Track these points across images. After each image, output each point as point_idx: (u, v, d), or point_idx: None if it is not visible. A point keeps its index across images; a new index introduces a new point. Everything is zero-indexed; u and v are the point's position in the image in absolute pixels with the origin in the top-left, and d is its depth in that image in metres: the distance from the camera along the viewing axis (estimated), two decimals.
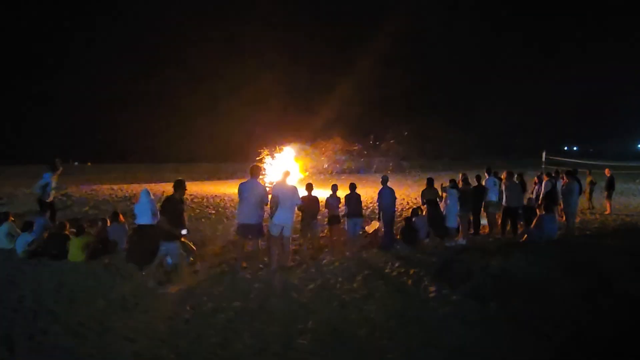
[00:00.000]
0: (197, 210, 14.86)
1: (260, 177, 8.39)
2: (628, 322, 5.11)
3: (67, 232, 8.98)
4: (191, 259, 8.21)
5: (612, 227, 12.09)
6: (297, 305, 6.15)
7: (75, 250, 8.34)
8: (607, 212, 14.76)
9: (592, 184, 15.90)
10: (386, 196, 9.70)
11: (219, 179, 27.87)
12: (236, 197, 8.15)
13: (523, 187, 12.11)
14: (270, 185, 9.07)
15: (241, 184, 7.91)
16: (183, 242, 8.33)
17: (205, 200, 17.57)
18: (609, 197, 15.21)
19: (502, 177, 12.11)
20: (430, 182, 10.64)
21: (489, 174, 11.44)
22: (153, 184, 24.68)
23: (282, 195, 7.99)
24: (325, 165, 26.18)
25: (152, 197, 8.37)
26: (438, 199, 10.41)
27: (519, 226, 10.95)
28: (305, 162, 23.51)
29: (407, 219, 10.29)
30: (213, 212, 14.68)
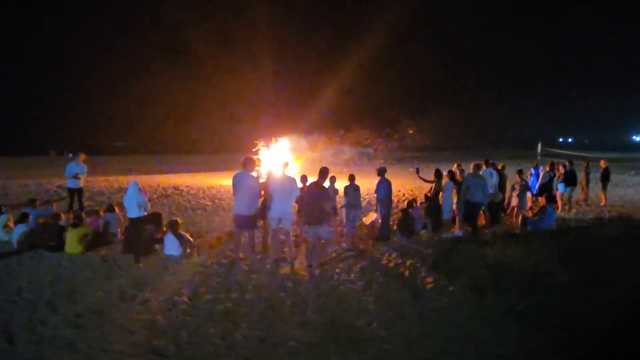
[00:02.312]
0: (194, 202, 14.84)
1: (254, 168, 8.35)
2: (624, 311, 5.15)
3: (61, 224, 8.95)
4: (188, 250, 8.23)
5: (608, 218, 12.16)
6: (296, 296, 6.17)
7: (73, 241, 8.32)
8: (602, 204, 14.84)
9: (587, 174, 15.95)
10: (383, 187, 9.71)
11: (216, 170, 27.81)
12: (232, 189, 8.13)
13: (503, 179, 12.12)
14: (265, 177, 8.91)
15: (235, 175, 7.90)
16: (181, 234, 8.34)
17: (201, 192, 17.55)
18: (604, 188, 15.27)
19: (499, 168, 12.17)
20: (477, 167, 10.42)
21: (487, 165, 11.46)
22: (149, 176, 24.62)
23: (277, 187, 7.96)
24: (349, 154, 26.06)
25: (141, 189, 8.33)
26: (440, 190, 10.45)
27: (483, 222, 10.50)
28: (305, 153, 23.49)
29: (404, 210, 10.32)
30: (209, 203, 14.66)
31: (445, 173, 10.71)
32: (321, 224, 7.46)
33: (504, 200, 11.47)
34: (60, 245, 8.37)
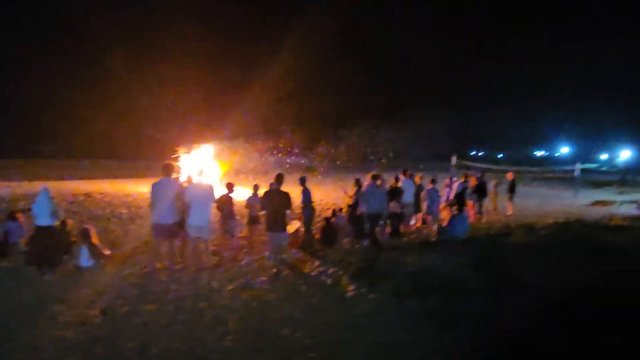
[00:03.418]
0: (108, 210, 14.06)
1: (174, 175, 8.12)
2: (530, 314, 5.53)
3: None
4: (102, 261, 7.78)
5: (514, 227, 13.05)
6: (217, 306, 6.02)
7: None
8: (509, 213, 15.93)
9: (497, 185, 17.08)
10: (305, 196, 9.78)
11: (133, 176, 26.55)
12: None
13: (419, 190, 12.49)
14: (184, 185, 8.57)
15: (154, 183, 7.60)
16: (93, 243, 7.87)
17: (117, 199, 16.69)
18: (511, 199, 16.42)
19: (416, 179, 12.70)
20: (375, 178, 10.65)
21: (405, 176, 11.92)
22: (61, 182, 22.99)
23: (195, 195, 7.75)
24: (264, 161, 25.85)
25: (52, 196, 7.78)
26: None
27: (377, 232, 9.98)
28: (231, 160, 23.08)
29: (327, 219, 10.44)
30: (125, 211, 13.96)
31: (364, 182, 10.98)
32: (282, 230, 7.84)
33: (402, 214, 11.42)
34: None
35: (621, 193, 27.17)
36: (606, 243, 9.61)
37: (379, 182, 9.84)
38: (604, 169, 58.82)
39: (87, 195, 17.29)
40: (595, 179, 38.21)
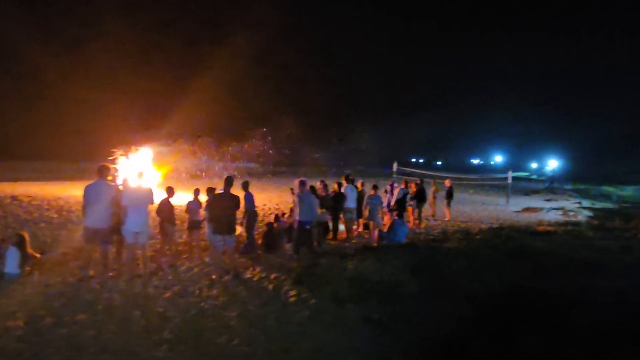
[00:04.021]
0: (36, 214, 13.24)
1: (110, 177, 7.79)
2: (464, 316, 5.72)
3: None
4: (27, 268, 7.30)
5: (451, 232, 13.51)
6: (153, 314, 5.79)
7: None
8: (446, 219, 16.48)
9: (436, 192, 17.64)
10: (248, 201, 9.66)
11: (65, 179, 25.23)
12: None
13: (361, 196, 12.55)
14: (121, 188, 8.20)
15: (87, 185, 7.24)
16: (26, 253, 7.41)
17: (46, 202, 15.75)
18: (449, 205, 17.00)
19: (358, 185, 12.87)
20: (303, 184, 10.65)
21: (347, 182, 12.05)
22: None
23: (133, 199, 7.46)
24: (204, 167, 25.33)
25: None
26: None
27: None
28: (170, 164, 22.43)
29: (269, 225, 10.36)
30: (55, 215, 13.21)
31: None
32: (231, 233, 7.83)
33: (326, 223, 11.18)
34: None
35: (548, 200, 28.85)
36: (534, 247, 10.14)
37: (307, 188, 9.64)
38: (533, 177, 62.35)
39: (14, 198, 16.22)
40: (526, 187, 40.44)
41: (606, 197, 34.89)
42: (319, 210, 9.93)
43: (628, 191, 40.60)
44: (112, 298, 6.37)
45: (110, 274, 7.42)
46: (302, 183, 9.33)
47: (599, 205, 27.56)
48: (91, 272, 7.29)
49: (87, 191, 7.18)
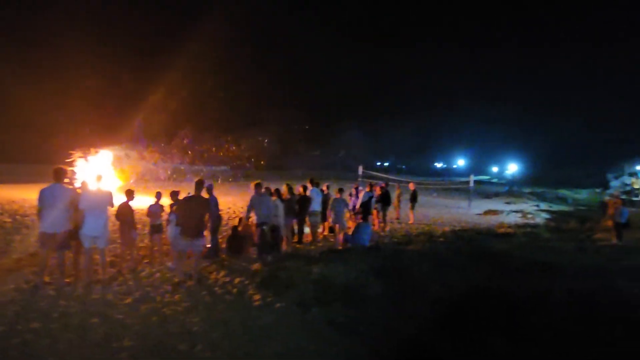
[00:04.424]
0: None
1: (67, 180, 7.53)
2: (426, 316, 5.80)
3: None
4: None
5: (415, 234, 13.70)
6: (112, 322, 5.61)
7: None
8: (410, 222, 16.71)
9: (400, 195, 17.87)
10: (212, 204, 9.50)
11: (20, 182, 24.25)
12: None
13: (326, 199, 12.60)
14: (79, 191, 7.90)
15: (43, 189, 6.96)
16: None
17: None
18: (413, 208, 17.25)
19: (323, 188, 12.89)
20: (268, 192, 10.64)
21: (312, 185, 12.05)
22: None
23: (91, 203, 7.23)
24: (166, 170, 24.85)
25: None
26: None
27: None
28: (131, 167, 21.92)
29: (234, 228, 10.23)
30: (8, 220, 12.66)
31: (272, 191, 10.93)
32: (199, 237, 7.73)
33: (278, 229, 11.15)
34: None
35: (508, 203, 29.68)
36: (495, 249, 10.39)
37: (263, 190, 9.59)
38: (494, 180, 64.08)
39: None
40: (487, 190, 41.48)
41: (562, 200, 36.22)
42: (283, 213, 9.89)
43: (583, 194, 42.28)
44: (69, 305, 6.13)
45: (67, 280, 7.16)
46: (258, 185, 9.30)
47: (555, 208, 28.56)
48: (46, 279, 7.01)
49: (43, 195, 6.90)
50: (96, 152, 19.65)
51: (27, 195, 18.56)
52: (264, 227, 9.13)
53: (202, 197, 7.99)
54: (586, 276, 8.09)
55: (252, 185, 9.43)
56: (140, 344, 5.00)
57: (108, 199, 7.52)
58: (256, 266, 8.35)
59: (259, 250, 9.20)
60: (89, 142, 20.64)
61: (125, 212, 8.46)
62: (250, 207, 9.30)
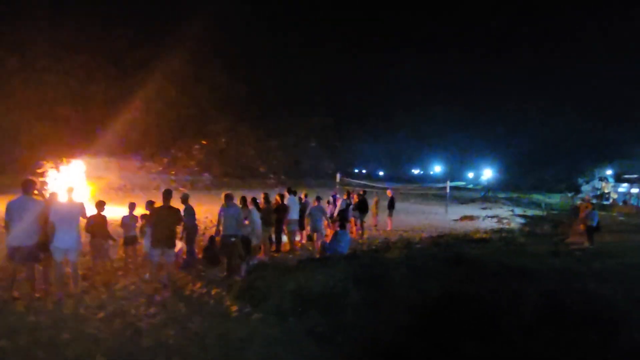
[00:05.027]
0: None
1: (36, 192, 7.35)
2: (403, 323, 5.81)
3: None
4: None
5: (393, 241, 13.76)
6: (84, 337, 5.46)
7: None
8: (388, 229, 16.79)
9: (377, 202, 17.95)
10: (188, 214, 9.40)
11: None
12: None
13: (304, 207, 12.56)
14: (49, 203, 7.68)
15: (10, 202, 6.78)
16: None
17: None
18: (390, 215, 17.35)
19: (301, 197, 12.88)
20: (243, 201, 10.54)
21: (289, 193, 12.03)
22: None
23: (61, 214, 7.06)
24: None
25: None
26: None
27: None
28: (103, 178, 21.55)
29: (211, 238, 10.12)
30: None
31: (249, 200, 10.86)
32: (170, 247, 7.76)
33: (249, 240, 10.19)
34: None
35: (484, 209, 30.13)
36: (471, 255, 10.50)
37: (233, 201, 9.27)
38: (470, 186, 64.99)
39: None
40: (463, 196, 42.05)
41: (536, 204, 36.94)
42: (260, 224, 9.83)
43: (555, 198, 43.23)
44: (39, 321, 5.96)
45: (37, 294, 6.96)
46: (228, 197, 9.08)
47: (529, 212, 29.10)
48: (15, 294, 6.81)
49: (10, 207, 6.72)
50: (68, 162, 19.26)
51: None
52: (232, 239, 8.87)
53: (172, 207, 7.90)
54: (559, 279, 8.24)
55: (222, 195, 9.20)
56: (113, 359, 4.88)
57: (80, 210, 7.37)
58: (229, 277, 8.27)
59: (227, 266, 8.89)
60: (61, 152, 20.23)
61: (97, 224, 8.30)
62: (220, 219, 9.04)
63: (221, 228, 8.94)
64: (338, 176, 25.86)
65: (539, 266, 9.27)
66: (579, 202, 28.64)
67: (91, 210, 8.17)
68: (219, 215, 9.06)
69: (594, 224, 14.26)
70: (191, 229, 9.60)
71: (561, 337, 5.47)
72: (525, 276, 8.04)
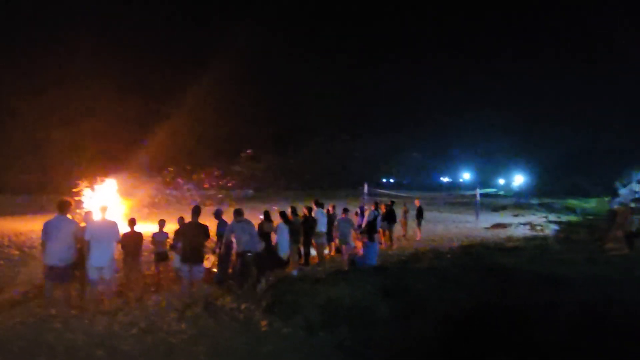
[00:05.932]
0: None
1: (71, 212, 7.61)
2: (435, 336, 5.72)
3: None
4: None
5: (422, 252, 13.59)
6: (118, 354, 5.58)
7: None
8: (417, 239, 16.61)
9: (406, 212, 17.80)
10: (221, 229, 9.53)
11: (27, 213, 24.41)
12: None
13: (332, 220, 12.54)
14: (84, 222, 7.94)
15: (46, 222, 7.04)
16: None
17: (6, 238, 15.22)
18: (419, 224, 17.17)
19: (329, 209, 12.88)
20: (267, 215, 10.74)
21: (317, 206, 12.05)
22: None
23: (96, 234, 7.26)
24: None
25: None
26: (272, 232, 10.54)
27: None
28: (136, 195, 22.06)
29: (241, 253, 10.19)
30: (16, 252, 12.74)
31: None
32: (199, 263, 7.93)
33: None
34: None
35: (516, 215, 29.47)
36: (503, 264, 10.27)
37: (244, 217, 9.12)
38: (501, 193, 63.73)
39: None
40: (494, 203, 41.23)
41: (571, 210, 35.89)
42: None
43: (591, 203, 41.89)
44: (75, 338, 6.11)
45: (73, 312, 7.15)
46: (237, 212, 8.99)
47: (564, 218, 28.31)
48: (53, 311, 7.01)
49: (46, 227, 6.97)
50: (102, 181, 19.80)
51: (34, 226, 18.68)
52: (249, 255, 8.81)
53: (200, 223, 8.05)
54: (596, 289, 7.96)
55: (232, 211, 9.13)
56: None
57: (114, 229, 7.57)
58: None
59: (237, 282, 8.76)
60: (95, 171, 20.83)
61: (130, 241, 8.49)
62: (228, 235, 8.90)
63: (230, 244, 8.90)
64: (365, 187, 25.77)
65: (575, 275, 8.98)
66: (616, 206, 27.65)
67: (124, 228, 8.38)
68: (226, 231, 9.02)
69: (634, 229, 13.75)
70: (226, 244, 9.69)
71: (599, 351, 5.27)
72: (560, 285, 7.81)
